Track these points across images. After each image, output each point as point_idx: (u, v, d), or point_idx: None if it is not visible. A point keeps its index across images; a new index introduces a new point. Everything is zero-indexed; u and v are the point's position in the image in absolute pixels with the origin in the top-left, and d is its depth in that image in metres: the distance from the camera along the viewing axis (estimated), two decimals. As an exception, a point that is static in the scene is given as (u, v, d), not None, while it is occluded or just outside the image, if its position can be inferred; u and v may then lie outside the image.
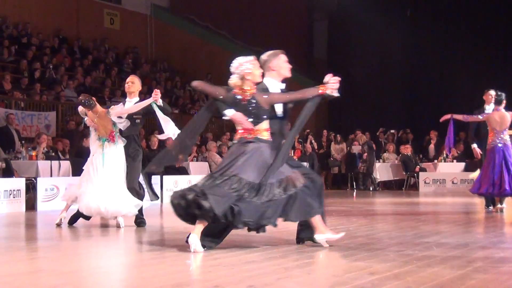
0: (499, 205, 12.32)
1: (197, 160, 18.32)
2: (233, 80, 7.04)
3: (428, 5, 25.92)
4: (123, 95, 10.01)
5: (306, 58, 29.44)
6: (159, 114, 9.30)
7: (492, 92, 12.46)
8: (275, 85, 7.28)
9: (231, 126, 22.76)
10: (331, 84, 6.92)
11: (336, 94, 6.94)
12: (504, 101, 12.14)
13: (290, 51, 27.34)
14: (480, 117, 12.23)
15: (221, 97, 7.00)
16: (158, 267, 6.03)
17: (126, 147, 9.54)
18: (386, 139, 23.74)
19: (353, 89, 25.30)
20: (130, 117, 9.54)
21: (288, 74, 7.38)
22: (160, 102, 9.33)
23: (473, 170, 14.40)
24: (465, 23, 24.99)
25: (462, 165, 20.65)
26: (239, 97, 6.97)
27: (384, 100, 25.61)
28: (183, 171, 16.79)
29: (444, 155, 21.30)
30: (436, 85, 24.18)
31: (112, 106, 9.72)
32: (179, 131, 9.19)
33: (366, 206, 15.13)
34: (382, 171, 21.94)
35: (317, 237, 7.07)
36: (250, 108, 6.95)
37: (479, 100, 12.92)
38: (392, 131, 23.86)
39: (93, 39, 25.39)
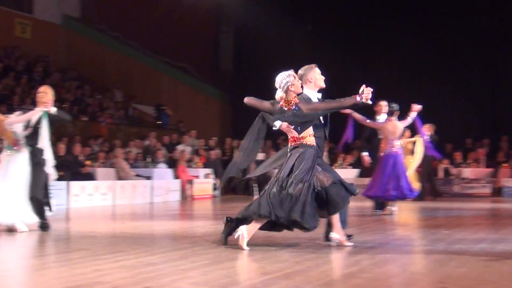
0: (389, 208, 12.63)
1: (104, 166, 18.06)
2: (279, 94, 7.41)
3: (328, 21, 26.34)
4: (33, 103, 9.82)
5: (213, 69, 29.49)
6: (44, 124, 9.19)
7: (384, 103, 12.70)
8: (313, 95, 7.66)
9: (139, 134, 22.57)
10: (365, 94, 7.26)
11: (370, 102, 7.33)
12: (397, 112, 12.46)
13: (198, 62, 27.17)
14: (374, 123, 12.50)
15: (269, 110, 7.51)
16: (60, 269, 5.95)
17: (30, 156, 9.31)
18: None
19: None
20: (33, 126, 9.35)
21: (323, 84, 7.78)
22: (53, 110, 9.22)
23: (367, 176, 14.67)
24: (363, 37, 25.47)
25: (356, 171, 21.04)
26: (285, 108, 7.35)
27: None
28: (90, 177, 16.53)
29: (339, 163, 21.74)
30: (335, 96, 24.55)
31: (9, 115, 9.52)
32: (48, 146, 9.19)
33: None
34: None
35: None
36: (295, 117, 7.36)
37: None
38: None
39: (4, 47, 24.72)
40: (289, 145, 7.48)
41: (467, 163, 22.05)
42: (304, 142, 7.34)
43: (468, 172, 21.52)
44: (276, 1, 26.29)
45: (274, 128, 7.46)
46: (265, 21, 25.55)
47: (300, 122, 7.36)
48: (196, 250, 7.17)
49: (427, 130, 15.24)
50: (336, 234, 7.45)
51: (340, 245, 7.34)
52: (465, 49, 23.99)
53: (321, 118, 7.64)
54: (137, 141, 21.15)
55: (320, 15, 26.75)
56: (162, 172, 19.04)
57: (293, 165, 7.23)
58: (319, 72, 7.77)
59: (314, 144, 7.42)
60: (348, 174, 21.18)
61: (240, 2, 26.41)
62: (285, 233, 8.20)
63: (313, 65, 7.82)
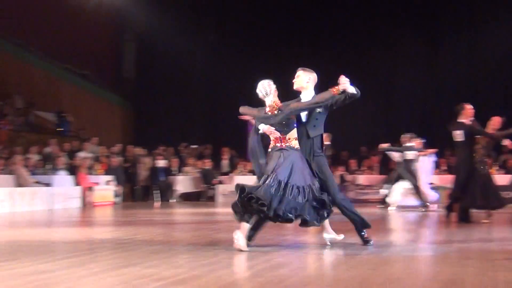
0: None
1: (3, 173, 17.52)
2: (271, 99, 7.81)
3: (230, 30, 26.50)
4: None
5: (115, 76, 29.11)
6: None
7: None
8: (305, 97, 7.93)
9: (40, 141, 21.99)
10: (342, 85, 7.48)
11: (351, 90, 7.50)
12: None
13: (100, 70, 26.62)
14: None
15: (256, 116, 7.89)
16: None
17: None
18: (188, 153, 23.95)
19: (159, 107, 25.43)
20: None
21: (295, 86, 8.01)
22: None
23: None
24: (264, 47, 25.66)
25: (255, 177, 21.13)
26: (269, 112, 7.76)
27: (187, 117, 25.84)
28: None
29: (239, 171, 21.87)
30: (234, 105, 24.65)
31: None
32: None
33: (166, 216, 15.18)
34: (183, 183, 22.15)
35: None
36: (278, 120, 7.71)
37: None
38: (194, 146, 24.14)
39: None
40: (272, 144, 7.75)
41: (361, 170, 22.58)
42: (290, 145, 7.66)
43: (362, 178, 22.04)
44: (179, 11, 26.24)
45: (259, 132, 7.75)
46: (168, 30, 25.47)
47: (284, 123, 7.67)
48: (94, 257, 7.06)
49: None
50: (240, 235, 7.49)
51: (239, 250, 7.35)
52: (358, 58, 24.60)
53: (303, 116, 7.81)
54: (37, 147, 20.63)
55: (222, 25, 26.90)
56: (62, 179, 18.65)
57: (292, 167, 7.49)
58: (295, 75, 8.06)
59: (298, 147, 7.70)
60: (248, 180, 21.28)
61: (143, 10, 26.21)
62: (181, 238, 8.18)
63: None
